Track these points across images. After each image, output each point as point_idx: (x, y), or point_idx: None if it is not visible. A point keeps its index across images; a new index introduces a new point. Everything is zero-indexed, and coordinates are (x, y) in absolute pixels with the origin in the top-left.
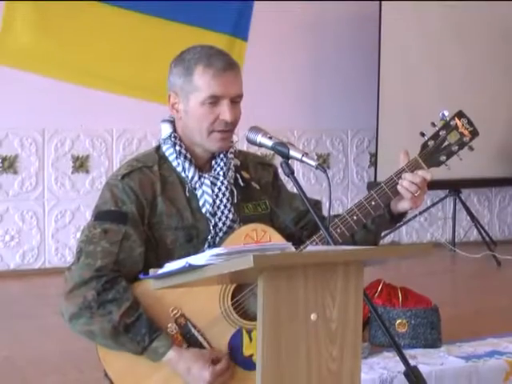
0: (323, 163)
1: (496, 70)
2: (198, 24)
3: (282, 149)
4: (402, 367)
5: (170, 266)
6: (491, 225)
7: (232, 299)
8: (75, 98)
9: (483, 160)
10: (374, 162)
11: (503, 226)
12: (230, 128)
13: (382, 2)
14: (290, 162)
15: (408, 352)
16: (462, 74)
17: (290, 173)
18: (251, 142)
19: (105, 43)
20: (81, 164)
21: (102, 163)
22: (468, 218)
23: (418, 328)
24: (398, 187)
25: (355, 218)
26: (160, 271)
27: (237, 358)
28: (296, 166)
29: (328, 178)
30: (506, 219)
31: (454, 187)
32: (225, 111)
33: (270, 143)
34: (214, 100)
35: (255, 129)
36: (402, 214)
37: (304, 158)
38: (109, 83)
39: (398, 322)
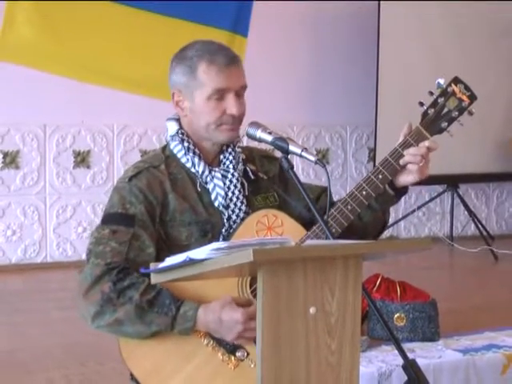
0: (322, 158)
1: (494, 67)
2: (199, 20)
3: (281, 144)
4: (400, 360)
5: (171, 260)
6: (489, 219)
7: (250, 287)
8: (76, 94)
9: (481, 155)
10: (372, 157)
11: (500, 220)
12: (237, 121)
13: (381, 1)
14: (289, 156)
15: (406, 345)
16: (460, 71)
17: (290, 168)
18: (251, 137)
19: (105, 39)
20: (82, 159)
21: (103, 158)
22: (466, 212)
23: (416, 322)
24: (401, 162)
25: (364, 193)
26: (161, 265)
27: None
28: (296, 161)
29: (327, 173)
30: (504, 214)
31: (451, 182)
32: (231, 105)
33: (269, 138)
34: (220, 94)
35: (255, 124)
36: (406, 188)
37: (303, 153)
38: (109, 79)
39: (396, 315)
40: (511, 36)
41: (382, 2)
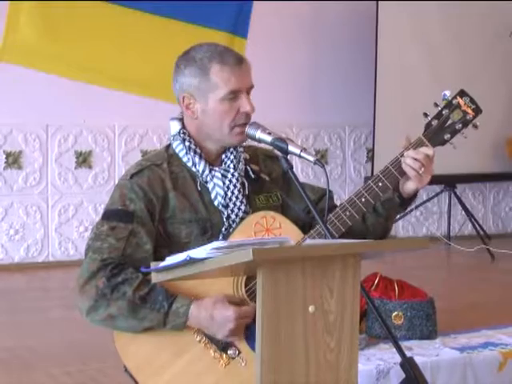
0: (321, 158)
1: (491, 68)
2: (199, 22)
3: (280, 144)
4: (398, 358)
5: (171, 259)
6: (485, 219)
7: (245, 287)
8: (78, 95)
9: (478, 156)
10: (371, 158)
11: (497, 220)
12: (248, 120)
13: (379, 2)
14: (288, 157)
15: (404, 343)
16: (457, 72)
17: (289, 168)
18: (251, 138)
19: (107, 41)
20: (84, 159)
21: (105, 159)
22: (463, 212)
23: (414, 320)
24: (402, 165)
25: (363, 200)
26: (161, 264)
27: (253, 345)
28: (295, 161)
29: (326, 173)
30: (500, 213)
31: (449, 182)
32: (245, 104)
33: (269, 139)
34: (234, 95)
35: (255, 124)
36: (412, 198)
37: (302, 154)
38: (111, 80)
39: (394, 314)
40: (508, 37)
41: (380, 1)
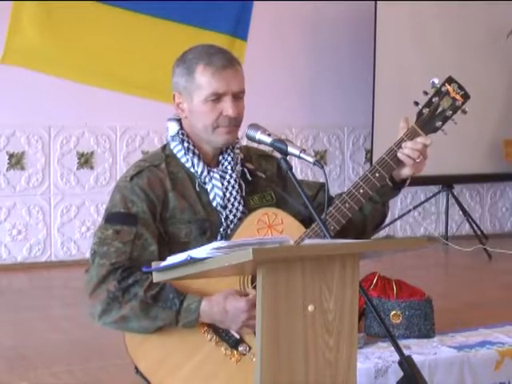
0: (320, 159)
1: (489, 68)
2: (199, 24)
3: (280, 145)
4: (396, 357)
5: (172, 259)
6: (483, 219)
7: (252, 284)
8: (80, 97)
9: (475, 156)
10: (369, 159)
11: (494, 220)
12: (234, 123)
13: (378, 2)
14: (288, 158)
15: (402, 342)
16: (455, 72)
17: (289, 169)
18: (251, 139)
19: (108, 43)
20: (85, 160)
21: (106, 159)
22: (460, 212)
23: (412, 319)
24: (399, 155)
25: (362, 191)
26: (162, 264)
27: None
28: (294, 162)
29: (325, 174)
30: (497, 214)
31: (446, 183)
32: (228, 107)
33: (268, 140)
34: (216, 97)
35: (254, 126)
36: (404, 181)
37: (302, 155)
38: (112, 82)
39: (392, 313)
40: (506, 37)
41: (378, 1)
